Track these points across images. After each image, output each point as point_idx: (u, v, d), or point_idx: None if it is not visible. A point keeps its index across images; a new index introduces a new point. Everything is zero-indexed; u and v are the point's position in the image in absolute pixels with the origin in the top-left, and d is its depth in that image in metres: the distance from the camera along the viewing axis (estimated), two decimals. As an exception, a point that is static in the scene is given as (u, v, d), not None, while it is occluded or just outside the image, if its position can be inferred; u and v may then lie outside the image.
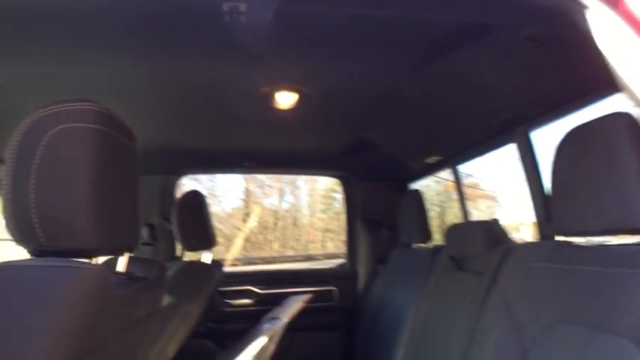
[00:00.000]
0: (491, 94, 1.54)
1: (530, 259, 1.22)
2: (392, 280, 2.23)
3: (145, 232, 2.23)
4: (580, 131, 1.01)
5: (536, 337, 1.06)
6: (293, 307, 1.85)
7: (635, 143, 0.88)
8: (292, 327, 2.41)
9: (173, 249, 2.33)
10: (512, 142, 1.62)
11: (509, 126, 1.60)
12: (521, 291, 1.17)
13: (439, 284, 1.70)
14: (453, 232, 1.75)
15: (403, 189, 2.44)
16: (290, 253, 9.22)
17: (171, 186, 2.43)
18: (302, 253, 8.92)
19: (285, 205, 9.71)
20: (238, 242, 8.75)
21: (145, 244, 2.23)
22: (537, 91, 1.45)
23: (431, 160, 2.16)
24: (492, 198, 5.83)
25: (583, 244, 1.08)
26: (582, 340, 0.94)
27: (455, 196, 2.33)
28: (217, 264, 2.06)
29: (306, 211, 9.83)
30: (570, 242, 1.16)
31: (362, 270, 2.59)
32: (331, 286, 2.54)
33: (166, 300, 1.69)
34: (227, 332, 2.36)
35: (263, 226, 9.69)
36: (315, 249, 9.09)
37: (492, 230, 1.51)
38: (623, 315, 0.88)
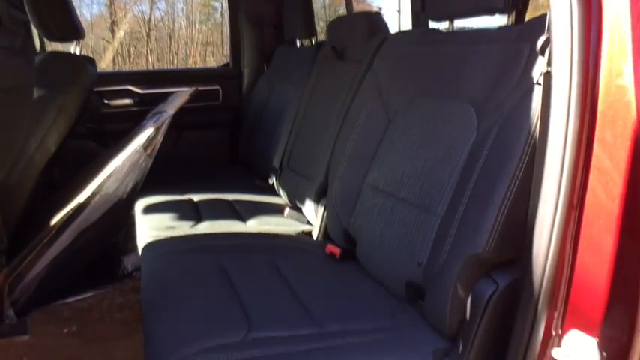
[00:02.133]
0: None
1: (402, 44, 1.34)
2: (276, 77, 2.29)
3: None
4: None
5: (398, 109, 1.24)
6: (178, 100, 1.84)
7: None
8: (178, 125, 2.46)
9: (31, 41, 2.06)
10: None
11: None
12: (391, 73, 1.32)
13: (320, 74, 1.81)
14: (336, 24, 1.80)
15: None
16: (168, 67, 8.70)
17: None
18: (181, 68, 8.47)
19: (157, 14, 8.76)
20: (108, 56, 7.96)
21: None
22: None
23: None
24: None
25: (448, 30, 1.21)
26: (434, 106, 1.13)
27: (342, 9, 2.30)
28: (89, 60, 1.91)
29: (183, 22, 9.01)
30: (438, 29, 1.29)
31: (247, 70, 2.60)
32: (216, 85, 2.54)
33: (38, 92, 1.57)
34: (109, 133, 2.31)
35: (134, 38, 8.83)
36: (195, 64, 8.62)
37: (373, 20, 1.58)
38: (465, 84, 1.06)
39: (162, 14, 8.85)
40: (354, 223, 1.27)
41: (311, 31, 2.08)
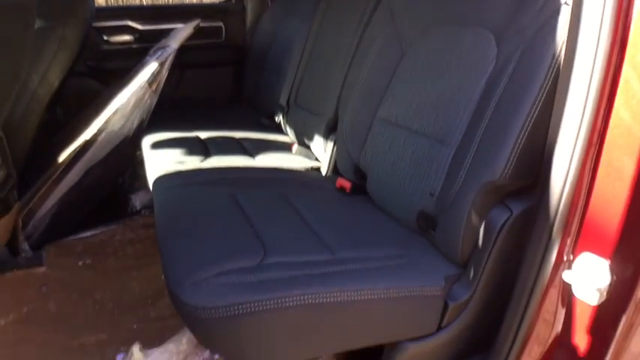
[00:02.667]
0: None
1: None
2: (281, 11, 2.20)
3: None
4: None
5: (412, 40, 1.20)
6: (181, 34, 1.78)
7: None
8: (180, 64, 2.40)
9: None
10: None
11: None
12: (405, 0, 1.26)
13: (329, 6, 1.74)
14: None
15: None
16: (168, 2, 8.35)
17: None
18: (181, 3, 8.12)
19: None
20: None
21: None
22: None
23: None
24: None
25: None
26: (450, 35, 1.09)
27: None
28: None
29: None
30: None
31: (250, 5, 2.50)
32: (218, 21, 2.45)
33: (38, 24, 1.52)
34: (110, 71, 2.27)
35: None
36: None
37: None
38: (485, 9, 1.01)
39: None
40: (364, 157, 1.27)
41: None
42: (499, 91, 0.90)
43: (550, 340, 0.83)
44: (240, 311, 0.72)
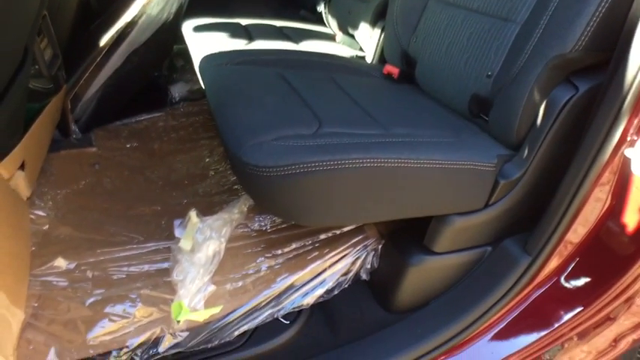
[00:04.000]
0: None
1: None
2: None
3: None
4: None
5: None
6: None
7: None
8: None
9: None
10: None
11: None
12: None
13: None
14: None
15: None
16: None
17: None
18: None
19: None
20: None
21: None
22: None
23: None
24: None
25: None
26: None
27: None
28: None
29: None
30: None
31: None
32: None
33: None
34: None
35: None
36: None
37: None
38: None
39: None
40: (415, 42, 1.22)
41: None
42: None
43: (600, 215, 0.84)
44: (300, 170, 0.75)
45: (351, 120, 0.93)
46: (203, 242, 0.98)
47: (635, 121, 0.77)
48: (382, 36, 1.39)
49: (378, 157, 0.77)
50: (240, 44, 1.42)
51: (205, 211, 1.14)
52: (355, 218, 0.87)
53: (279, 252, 1.05)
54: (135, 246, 1.09)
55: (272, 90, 1.00)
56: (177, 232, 1.03)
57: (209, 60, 1.21)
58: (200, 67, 1.21)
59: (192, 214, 1.03)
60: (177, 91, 2.04)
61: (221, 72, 1.12)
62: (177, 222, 1.06)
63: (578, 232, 0.85)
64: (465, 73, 1.04)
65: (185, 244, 0.99)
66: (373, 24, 1.45)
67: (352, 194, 0.80)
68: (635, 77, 0.74)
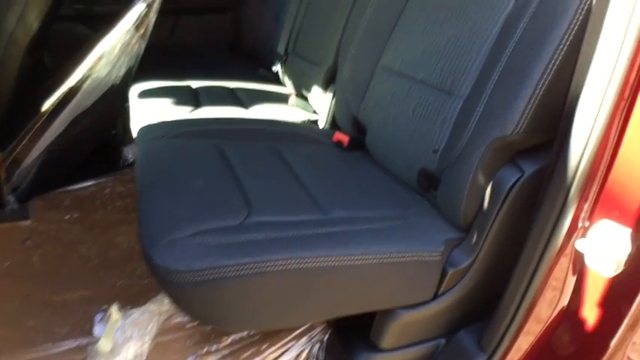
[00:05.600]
0: None
1: None
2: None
3: None
4: None
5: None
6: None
7: None
8: (175, 9, 2.26)
9: None
10: None
11: None
12: None
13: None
14: None
15: None
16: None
17: None
18: None
19: None
20: None
21: None
22: None
23: None
24: None
25: None
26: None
27: None
28: None
29: None
30: None
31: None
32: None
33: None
34: (99, 15, 2.13)
35: None
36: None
37: None
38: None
39: None
40: (364, 109, 1.17)
41: None
42: (518, 33, 0.79)
43: (555, 312, 0.76)
44: (216, 275, 0.66)
45: (287, 203, 0.85)
46: (123, 344, 0.86)
47: (585, 206, 0.71)
48: (333, 101, 1.34)
49: (305, 256, 0.69)
50: (184, 112, 1.36)
51: (140, 296, 1.03)
52: (283, 322, 0.78)
53: (214, 348, 0.94)
54: (52, 344, 0.97)
55: (204, 170, 0.92)
56: (96, 330, 0.92)
57: (145, 132, 1.13)
58: (137, 139, 1.14)
59: (114, 309, 0.92)
60: (131, 152, 1.96)
61: (154, 147, 1.04)
62: (98, 317, 0.95)
63: (532, 329, 0.77)
64: (413, 146, 0.98)
65: (104, 345, 0.88)
66: (325, 88, 1.41)
67: (277, 298, 0.71)
68: (580, 160, 0.68)
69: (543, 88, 0.71)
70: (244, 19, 2.26)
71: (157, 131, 1.12)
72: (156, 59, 1.85)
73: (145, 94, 1.52)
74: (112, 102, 1.71)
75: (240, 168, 0.95)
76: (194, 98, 1.48)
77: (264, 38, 1.98)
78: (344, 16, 1.34)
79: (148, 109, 1.38)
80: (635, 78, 0.63)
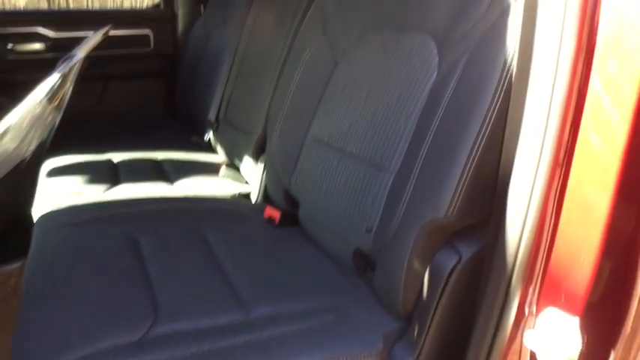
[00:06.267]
0: None
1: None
2: (213, 19, 2.01)
3: None
4: None
5: (346, 48, 1.04)
6: (90, 41, 1.56)
7: None
8: (103, 75, 2.16)
9: None
10: None
11: None
12: (338, 3, 1.11)
13: (260, 13, 1.56)
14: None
15: None
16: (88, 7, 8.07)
17: None
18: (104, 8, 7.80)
19: None
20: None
21: None
22: None
23: None
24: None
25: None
26: (386, 42, 0.94)
27: None
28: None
29: None
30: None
31: (181, 11, 2.29)
32: (145, 28, 2.22)
33: None
34: (18, 84, 1.98)
35: None
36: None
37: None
38: (424, 12, 0.87)
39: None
40: (295, 182, 1.09)
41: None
42: (441, 108, 0.75)
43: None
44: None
45: (203, 302, 0.73)
46: None
47: (530, 291, 0.65)
48: (265, 172, 1.26)
49: (216, 379, 0.57)
50: (97, 191, 1.22)
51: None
52: None
53: None
54: None
55: (107, 267, 0.80)
56: None
57: (46, 220, 0.99)
58: (35, 229, 0.99)
59: None
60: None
61: (52, 239, 0.91)
62: None
63: None
64: (346, 224, 0.91)
65: None
66: (256, 158, 1.33)
67: None
68: (519, 240, 0.63)
69: (473, 165, 0.66)
70: (178, 84, 2.19)
71: (59, 218, 0.99)
72: (77, 129, 1.73)
73: (55, 171, 1.38)
74: (22, 179, 1.54)
75: (153, 261, 0.83)
76: (112, 174, 1.35)
77: (197, 104, 1.91)
78: (272, 83, 1.29)
79: (56, 190, 1.24)
80: (565, 153, 0.59)
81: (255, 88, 1.39)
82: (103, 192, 1.22)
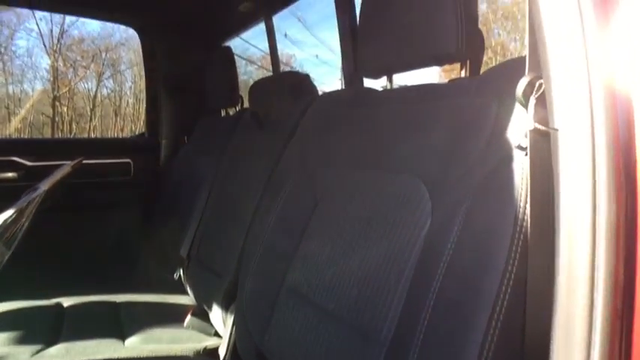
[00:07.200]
0: None
1: (331, 106, 1.08)
2: (196, 149, 1.97)
3: None
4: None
5: (326, 188, 0.94)
6: (56, 174, 1.47)
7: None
8: (76, 205, 2.04)
9: None
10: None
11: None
12: (317, 141, 1.04)
13: (238, 146, 1.51)
14: (257, 86, 1.54)
15: (212, 47, 2.10)
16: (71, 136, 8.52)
17: None
18: (86, 138, 8.23)
19: (105, 92, 8.82)
20: (13, 124, 7.85)
21: None
22: None
23: (243, 7, 1.83)
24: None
25: (387, 89, 0.97)
26: (370, 183, 0.84)
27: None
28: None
29: (130, 99, 9.08)
30: (375, 89, 1.05)
31: (165, 141, 2.27)
32: (126, 158, 2.17)
33: None
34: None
35: (78, 114, 8.66)
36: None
37: (298, 80, 1.33)
38: (412, 152, 0.78)
39: (109, 91, 9.02)
40: (269, 340, 0.91)
41: (235, 99, 1.80)
42: (443, 263, 0.62)
43: None
44: None
45: None
46: None
47: None
48: (234, 326, 1.08)
49: None
50: (25, 353, 1.00)
51: None
52: None
53: None
54: None
55: None
56: None
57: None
58: None
59: None
60: None
61: None
62: None
63: None
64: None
65: None
66: (226, 306, 1.16)
67: None
68: None
69: (497, 333, 0.50)
70: (156, 216, 2.07)
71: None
72: (32, 265, 1.55)
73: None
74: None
75: None
76: (54, 327, 1.14)
77: (169, 239, 1.77)
78: (246, 222, 1.17)
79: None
80: (623, 303, 0.44)
81: (230, 225, 1.27)
82: (31, 356, 1.00)
